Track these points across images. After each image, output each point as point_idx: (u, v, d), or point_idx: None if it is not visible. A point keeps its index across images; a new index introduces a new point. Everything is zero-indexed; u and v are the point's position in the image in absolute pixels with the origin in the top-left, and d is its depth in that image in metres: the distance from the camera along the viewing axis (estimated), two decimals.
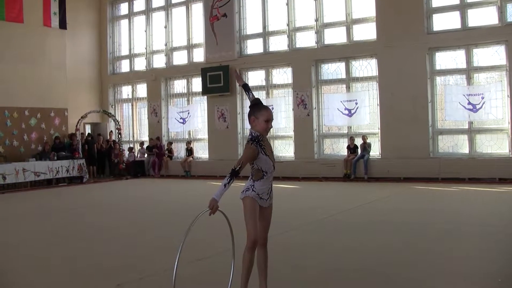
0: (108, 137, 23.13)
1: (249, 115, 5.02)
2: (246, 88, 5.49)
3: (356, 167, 17.15)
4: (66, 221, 11.08)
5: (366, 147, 17.20)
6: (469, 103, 16.00)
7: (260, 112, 4.96)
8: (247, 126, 19.18)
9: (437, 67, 16.89)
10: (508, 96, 15.52)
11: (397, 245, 7.54)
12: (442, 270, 6.19)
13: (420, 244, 7.65)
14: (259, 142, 4.92)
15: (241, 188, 5.01)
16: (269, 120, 4.95)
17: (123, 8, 24.46)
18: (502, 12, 15.74)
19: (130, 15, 24.06)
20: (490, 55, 16.15)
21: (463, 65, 16.42)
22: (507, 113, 15.64)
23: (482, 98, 15.85)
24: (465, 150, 16.41)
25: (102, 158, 22.40)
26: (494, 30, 15.84)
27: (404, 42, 16.81)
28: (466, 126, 16.37)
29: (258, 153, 4.88)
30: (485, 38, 15.98)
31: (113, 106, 24.38)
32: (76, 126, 21.30)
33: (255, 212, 4.93)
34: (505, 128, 15.79)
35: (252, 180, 4.99)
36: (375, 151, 17.54)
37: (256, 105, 5.03)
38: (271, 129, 5.13)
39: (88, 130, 23.87)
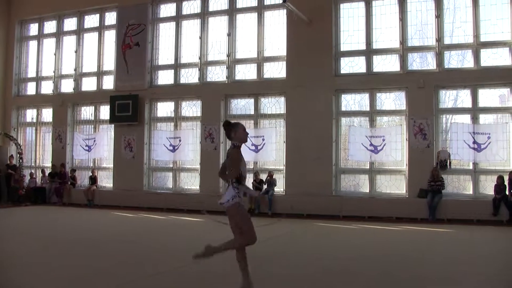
0: (9, 162, 22.17)
1: (231, 131, 6.33)
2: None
3: (260, 202, 17.28)
4: None
5: (272, 182, 17.40)
6: (371, 144, 16.64)
7: (238, 126, 6.37)
8: (153, 156, 19.12)
9: (343, 108, 17.47)
10: (406, 139, 16.28)
11: (297, 277, 7.66)
12: None
13: (320, 277, 7.82)
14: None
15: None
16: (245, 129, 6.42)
17: (33, 29, 23.68)
18: (403, 61, 16.64)
19: (40, 36, 23.35)
20: (391, 100, 16.95)
21: (367, 107, 17.10)
22: (405, 156, 16.37)
23: (383, 140, 16.54)
24: (366, 189, 16.97)
25: None
26: (396, 76, 16.70)
27: (313, 82, 17.29)
28: (368, 167, 16.97)
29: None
30: (388, 84, 16.80)
31: (15, 129, 23.41)
32: None
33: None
34: (403, 169, 16.49)
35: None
36: (279, 187, 17.78)
37: (231, 124, 6.39)
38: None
39: None
